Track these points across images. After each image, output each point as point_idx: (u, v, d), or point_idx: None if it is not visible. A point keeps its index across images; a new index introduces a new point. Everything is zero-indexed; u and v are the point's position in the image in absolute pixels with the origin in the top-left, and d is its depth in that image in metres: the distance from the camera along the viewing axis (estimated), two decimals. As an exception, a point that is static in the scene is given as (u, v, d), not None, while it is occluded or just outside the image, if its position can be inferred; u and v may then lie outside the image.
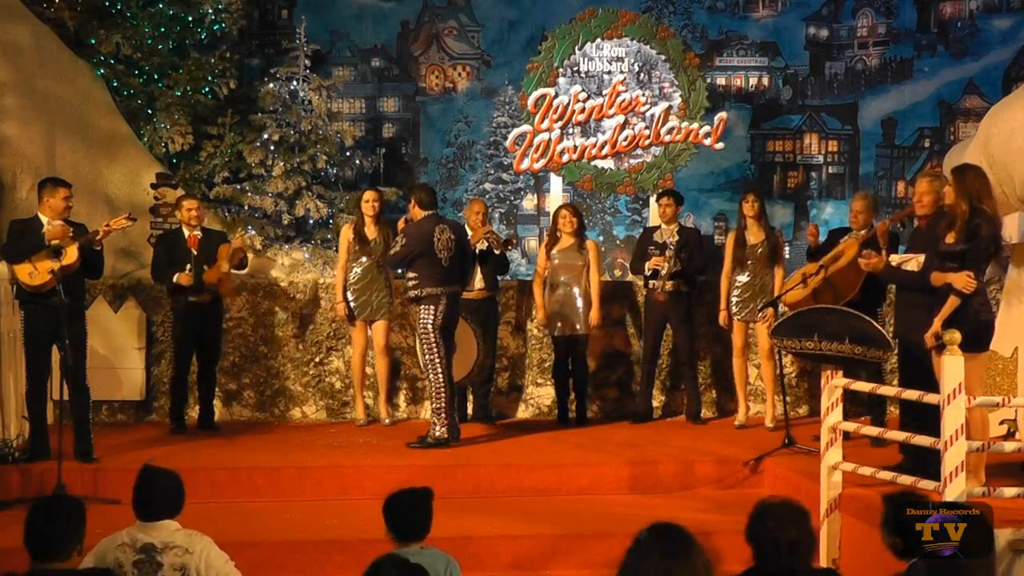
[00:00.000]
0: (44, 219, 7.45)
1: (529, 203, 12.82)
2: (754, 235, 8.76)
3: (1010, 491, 5.66)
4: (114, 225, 7.56)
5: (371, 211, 8.82)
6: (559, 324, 8.97)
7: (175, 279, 8.42)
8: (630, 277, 9.97)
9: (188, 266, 8.45)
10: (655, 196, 9.48)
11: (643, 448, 8.17)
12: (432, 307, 7.95)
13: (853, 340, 6.14)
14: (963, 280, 5.92)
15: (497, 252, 8.88)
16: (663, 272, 8.81)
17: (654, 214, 9.58)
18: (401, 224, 8.44)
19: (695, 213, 12.61)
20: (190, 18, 11.23)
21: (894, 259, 6.68)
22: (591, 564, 6.21)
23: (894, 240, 7.76)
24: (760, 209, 8.79)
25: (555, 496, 7.41)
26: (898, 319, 6.74)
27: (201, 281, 8.42)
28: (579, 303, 8.94)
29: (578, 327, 8.95)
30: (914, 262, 6.42)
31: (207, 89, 11.13)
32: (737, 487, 7.48)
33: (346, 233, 8.91)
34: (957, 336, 5.46)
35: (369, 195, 8.91)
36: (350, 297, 8.82)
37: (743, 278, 8.75)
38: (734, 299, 8.78)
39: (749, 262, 8.72)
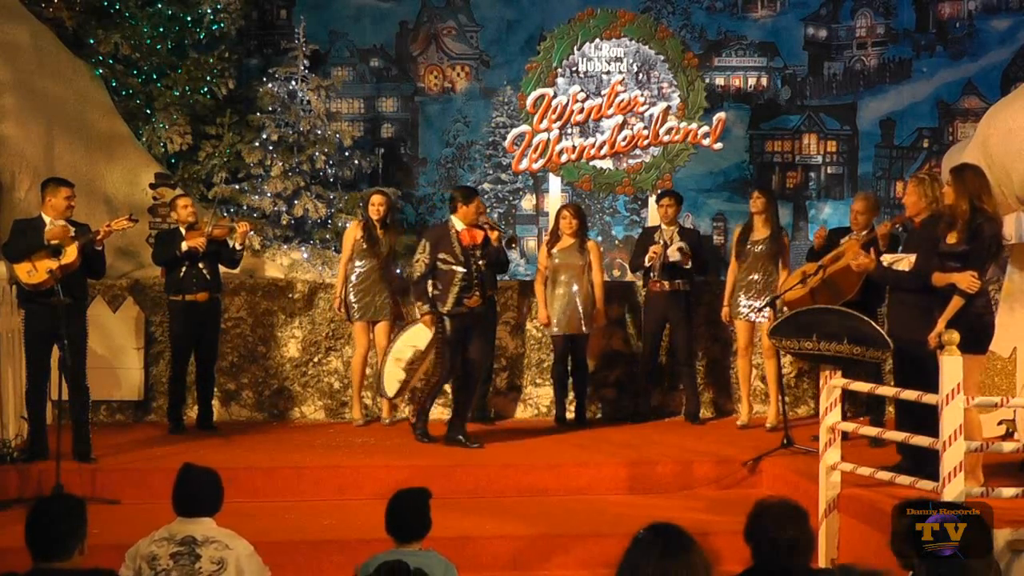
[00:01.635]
0: (47, 219, 7.47)
1: (528, 203, 12.82)
2: (758, 232, 8.76)
3: (1008, 491, 5.66)
4: (116, 226, 7.57)
5: (376, 215, 8.84)
6: (559, 324, 8.96)
7: (184, 247, 8.40)
8: (629, 277, 9.98)
9: (184, 269, 8.46)
10: (655, 197, 9.48)
11: (641, 448, 8.17)
12: None
13: (852, 340, 6.14)
14: (967, 280, 5.91)
15: (494, 244, 8.68)
16: (657, 258, 8.84)
17: (653, 214, 9.58)
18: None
19: (694, 213, 12.60)
20: (189, 18, 11.23)
21: (886, 259, 6.69)
22: (589, 564, 6.22)
23: (895, 242, 7.76)
24: (765, 206, 8.76)
25: (553, 496, 7.42)
26: (893, 319, 6.73)
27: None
28: (579, 303, 8.93)
29: (580, 327, 8.94)
30: (905, 261, 6.42)
31: (206, 89, 11.13)
32: (736, 487, 7.48)
33: (353, 232, 8.94)
34: (956, 336, 5.46)
35: (376, 199, 8.93)
36: (352, 298, 8.83)
37: (747, 276, 8.73)
38: (740, 297, 8.76)
39: (750, 259, 8.71)
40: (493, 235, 8.26)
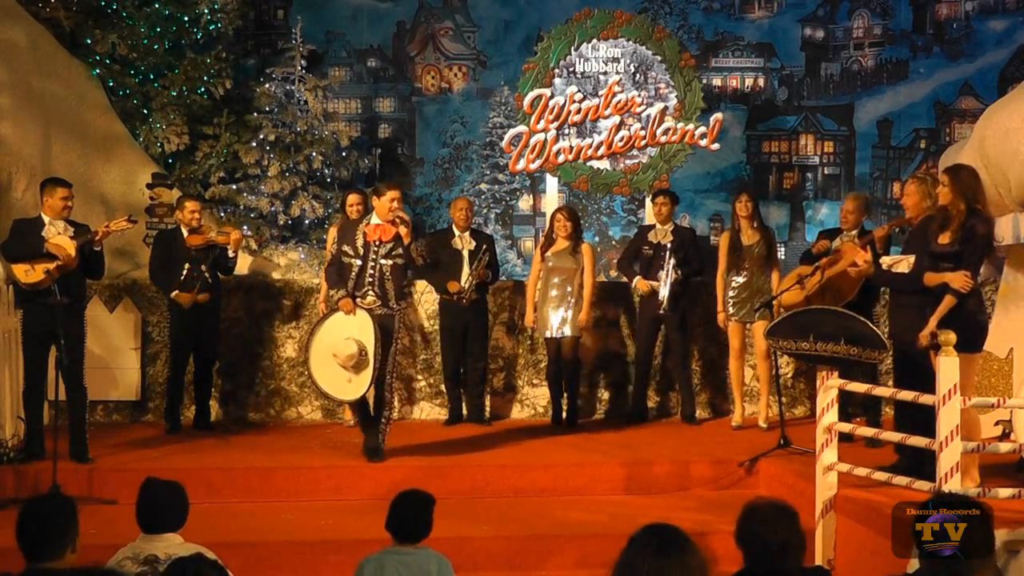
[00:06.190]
0: (46, 219, 7.48)
1: (525, 204, 12.83)
2: (748, 236, 8.76)
3: (1005, 492, 5.67)
4: (114, 227, 7.58)
5: (355, 215, 8.83)
6: (549, 326, 8.95)
7: (174, 296, 8.46)
8: (625, 278, 9.96)
9: (185, 270, 8.45)
10: (651, 195, 9.49)
11: (638, 449, 8.17)
12: None
13: (848, 341, 6.14)
14: (961, 280, 5.92)
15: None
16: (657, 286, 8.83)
17: (650, 214, 9.57)
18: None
19: (691, 214, 12.62)
20: (186, 18, 11.22)
21: (885, 261, 6.69)
22: (586, 564, 6.21)
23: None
24: (754, 209, 8.79)
25: (550, 496, 7.42)
26: (892, 321, 6.74)
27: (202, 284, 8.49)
28: (570, 305, 8.92)
29: (567, 329, 8.92)
30: (904, 263, 6.43)
31: (203, 89, 11.12)
32: (732, 488, 7.48)
33: (332, 234, 8.92)
34: (952, 337, 5.47)
35: (352, 199, 8.90)
36: None
37: (740, 279, 8.74)
38: (731, 300, 8.78)
39: (745, 263, 8.71)
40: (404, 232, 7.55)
